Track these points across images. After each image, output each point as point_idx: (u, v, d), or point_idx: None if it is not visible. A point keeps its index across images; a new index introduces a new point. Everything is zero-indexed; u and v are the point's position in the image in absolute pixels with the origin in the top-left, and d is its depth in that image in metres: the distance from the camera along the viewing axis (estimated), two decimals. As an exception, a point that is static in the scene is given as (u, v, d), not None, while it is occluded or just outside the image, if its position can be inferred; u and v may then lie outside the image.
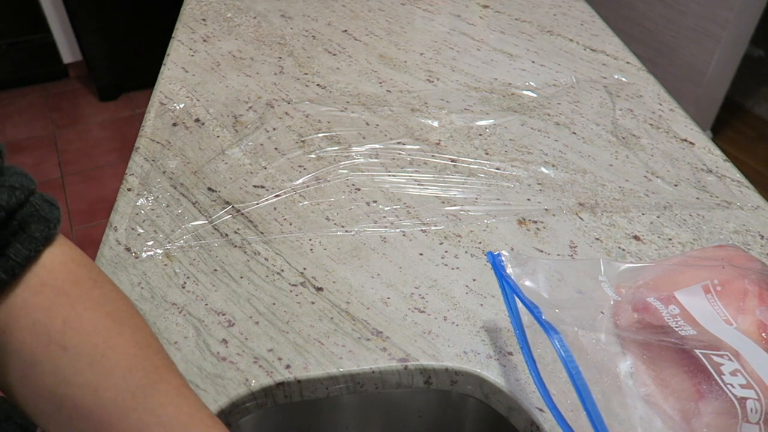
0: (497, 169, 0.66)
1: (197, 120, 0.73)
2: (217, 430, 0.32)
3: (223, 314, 0.50)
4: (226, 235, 0.58)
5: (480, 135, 0.71)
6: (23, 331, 0.31)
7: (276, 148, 0.68)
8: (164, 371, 0.32)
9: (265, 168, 0.66)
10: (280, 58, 0.85)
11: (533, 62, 0.86)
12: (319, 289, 0.53)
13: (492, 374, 0.46)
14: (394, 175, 0.65)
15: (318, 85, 0.80)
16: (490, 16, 0.98)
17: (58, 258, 0.32)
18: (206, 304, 0.51)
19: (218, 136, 0.70)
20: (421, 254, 0.56)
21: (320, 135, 0.71)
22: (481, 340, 0.49)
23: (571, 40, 0.91)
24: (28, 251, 0.31)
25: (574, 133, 0.72)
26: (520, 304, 0.42)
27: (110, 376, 0.31)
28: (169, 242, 0.57)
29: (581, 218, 0.60)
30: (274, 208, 0.61)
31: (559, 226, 0.59)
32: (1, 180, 0.32)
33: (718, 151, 0.70)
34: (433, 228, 0.59)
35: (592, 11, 1.01)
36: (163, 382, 0.32)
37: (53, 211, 0.34)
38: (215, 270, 0.54)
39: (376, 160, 0.67)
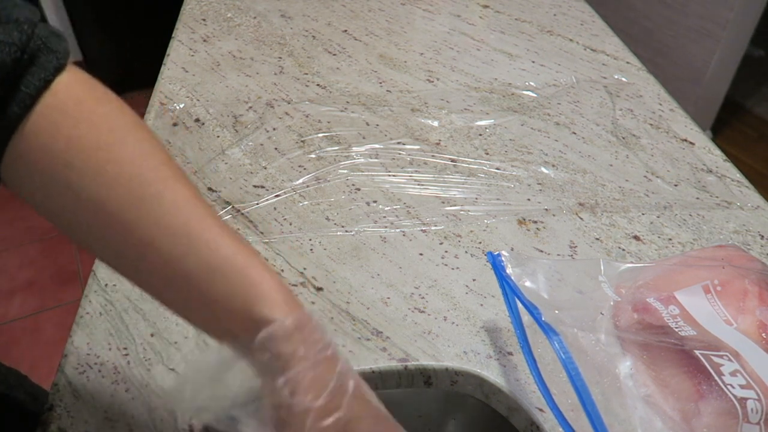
0: (497, 169, 0.66)
1: (197, 120, 0.73)
2: (227, 240, 0.32)
3: (223, 314, 0.50)
4: (226, 235, 0.57)
5: (480, 135, 0.71)
6: (35, 153, 0.31)
7: (276, 148, 0.68)
8: (171, 181, 0.32)
9: (265, 168, 0.66)
10: (280, 58, 0.85)
11: (533, 62, 0.86)
12: (319, 289, 0.53)
13: (492, 374, 0.46)
14: (394, 175, 0.65)
15: (318, 85, 0.80)
16: (490, 16, 0.98)
17: (63, 81, 0.33)
18: (206, 304, 0.51)
19: (218, 136, 0.70)
20: (421, 254, 0.56)
21: (320, 135, 0.71)
22: (481, 340, 0.49)
23: (571, 40, 0.91)
24: (39, 82, 0.32)
25: (574, 133, 0.72)
26: (520, 304, 0.42)
27: (113, 188, 0.31)
28: (169, 242, 0.57)
29: (581, 218, 0.60)
30: (274, 208, 0.61)
31: (559, 226, 0.59)
32: (6, 13, 0.31)
33: (718, 151, 0.70)
34: (433, 228, 0.59)
35: (592, 11, 1.01)
36: (168, 191, 0.32)
37: (61, 43, 0.33)
38: (215, 270, 0.54)
39: (376, 160, 0.67)
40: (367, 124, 0.73)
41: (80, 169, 0.31)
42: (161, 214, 0.31)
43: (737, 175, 0.66)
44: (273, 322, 0.30)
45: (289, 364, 0.30)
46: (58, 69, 0.32)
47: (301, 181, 0.64)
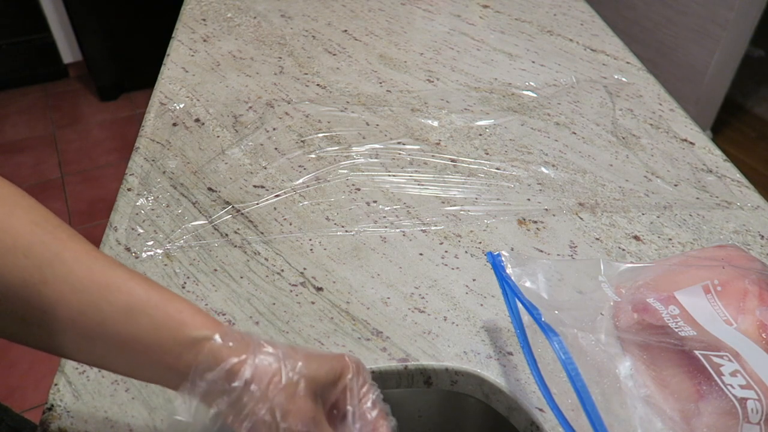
0: (497, 169, 0.66)
1: (197, 120, 0.73)
2: (137, 282, 0.33)
3: (223, 314, 0.50)
4: (226, 235, 0.58)
5: (480, 135, 0.71)
6: None
7: (276, 148, 0.68)
8: (67, 241, 0.32)
9: (265, 168, 0.66)
10: (280, 58, 0.85)
11: (533, 62, 0.86)
12: (319, 289, 0.53)
13: (492, 374, 0.46)
14: (394, 175, 0.65)
15: (318, 85, 0.80)
16: (490, 16, 0.98)
17: None
18: (206, 304, 0.51)
19: (218, 136, 0.70)
20: (421, 254, 0.56)
21: (320, 135, 0.71)
22: (481, 340, 0.49)
23: (571, 40, 0.91)
24: None
25: (574, 133, 0.72)
26: (520, 304, 0.42)
27: (10, 257, 0.31)
28: (169, 242, 0.57)
29: (581, 218, 0.60)
30: (274, 208, 0.61)
31: (559, 226, 0.59)
32: None
33: (718, 151, 0.70)
34: (433, 228, 0.59)
35: (592, 11, 1.01)
36: (68, 250, 0.32)
37: None
38: (215, 270, 0.54)
39: (376, 160, 0.67)
40: (367, 124, 0.73)
41: None
42: (66, 271, 0.31)
43: (737, 175, 0.66)
44: (207, 338, 0.31)
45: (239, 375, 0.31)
46: None
47: (301, 181, 0.64)
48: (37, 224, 0.32)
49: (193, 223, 0.59)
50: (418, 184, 0.64)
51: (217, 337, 0.32)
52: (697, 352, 0.41)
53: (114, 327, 0.31)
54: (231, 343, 0.32)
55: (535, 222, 0.60)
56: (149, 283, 0.33)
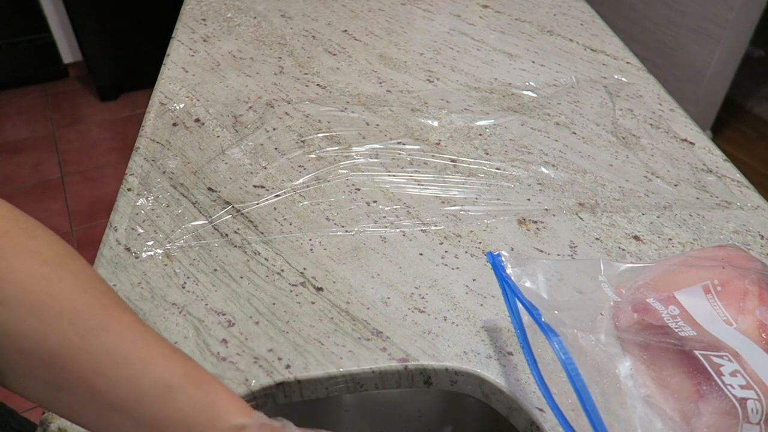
0: (497, 169, 0.66)
1: (197, 120, 0.73)
2: (178, 360, 0.32)
3: (223, 314, 0.50)
4: (226, 235, 0.58)
5: (480, 135, 0.71)
6: None
7: (276, 148, 0.68)
8: (113, 310, 0.32)
9: (265, 168, 0.66)
10: (280, 58, 0.85)
11: (533, 62, 0.86)
12: (319, 289, 0.53)
13: (492, 374, 0.46)
14: (394, 175, 0.65)
15: (318, 85, 0.80)
16: (490, 16, 0.98)
17: None
18: (206, 304, 0.51)
19: (218, 136, 0.70)
20: (421, 254, 0.56)
21: (320, 135, 0.71)
22: (481, 340, 0.49)
23: (571, 40, 0.91)
24: None
25: (574, 133, 0.72)
26: (520, 304, 0.42)
27: (55, 322, 0.30)
28: (169, 242, 0.57)
29: (581, 218, 0.60)
30: (274, 208, 0.61)
31: (559, 226, 0.59)
32: None
33: (718, 151, 0.70)
34: (433, 228, 0.59)
35: (592, 11, 1.01)
36: (113, 320, 0.32)
37: None
38: (215, 270, 0.54)
39: (376, 160, 0.67)
40: (367, 124, 0.73)
41: (16, 305, 0.30)
42: (109, 343, 0.31)
43: (737, 175, 0.66)
44: (244, 427, 0.31)
45: None
46: None
47: (301, 181, 0.64)
48: (86, 291, 0.32)
49: (193, 223, 0.59)
50: (418, 184, 0.64)
51: (253, 424, 0.32)
52: (697, 352, 0.41)
53: (151, 404, 0.31)
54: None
55: (535, 222, 0.60)
56: (189, 362, 0.33)
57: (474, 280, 0.54)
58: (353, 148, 0.69)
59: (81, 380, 0.31)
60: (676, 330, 0.43)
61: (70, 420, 0.33)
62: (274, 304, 0.51)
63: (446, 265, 0.55)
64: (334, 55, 0.87)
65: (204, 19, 0.95)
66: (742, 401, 0.38)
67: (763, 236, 0.58)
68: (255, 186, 0.63)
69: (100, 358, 0.31)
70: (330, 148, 0.68)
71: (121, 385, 0.31)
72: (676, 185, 0.65)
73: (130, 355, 0.31)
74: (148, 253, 0.55)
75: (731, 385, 0.38)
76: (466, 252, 0.56)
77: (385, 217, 0.60)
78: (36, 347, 0.30)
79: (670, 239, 0.58)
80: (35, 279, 0.31)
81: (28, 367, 0.31)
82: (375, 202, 0.62)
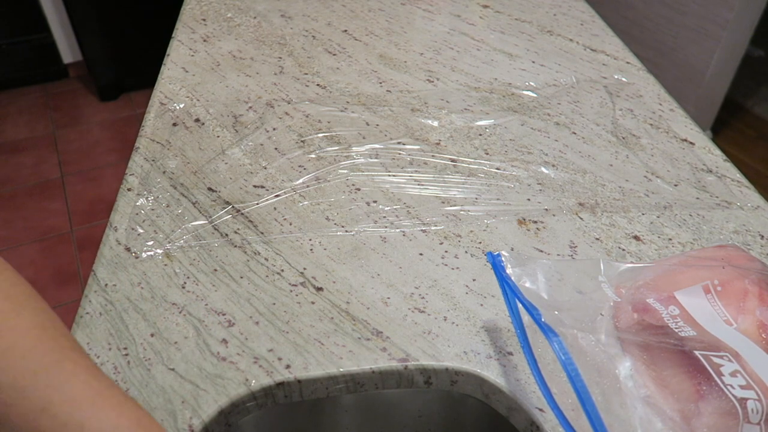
0: (497, 169, 0.66)
1: (197, 120, 0.73)
2: (129, 407, 0.32)
3: (223, 314, 0.50)
4: (226, 235, 0.58)
5: (480, 135, 0.71)
6: None
7: (276, 148, 0.68)
8: (69, 351, 0.32)
9: (265, 168, 0.66)
10: (280, 58, 0.85)
11: (533, 62, 0.86)
12: (319, 289, 0.53)
13: (492, 374, 0.46)
14: (394, 175, 0.65)
15: (318, 85, 0.80)
16: (490, 16, 0.98)
17: None
18: (206, 304, 0.51)
19: (218, 136, 0.70)
20: (421, 254, 0.56)
21: (320, 135, 0.71)
22: (481, 340, 0.49)
23: (571, 40, 0.91)
24: None
25: (574, 133, 0.72)
26: (520, 304, 0.42)
27: (7, 358, 0.30)
28: (169, 242, 0.57)
29: (581, 218, 0.60)
30: (274, 208, 0.61)
31: (559, 226, 0.59)
32: None
33: (718, 151, 0.70)
34: (433, 228, 0.59)
35: (592, 11, 1.01)
36: (69, 360, 0.31)
37: None
38: (215, 270, 0.54)
39: (376, 160, 0.67)
40: (367, 124, 0.73)
41: None
42: (62, 381, 0.30)
43: (737, 175, 0.66)
44: None
45: None
46: None
47: (301, 181, 0.64)
48: (45, 329, 0.32)
49: (193, 223, 0.59)
50: (418, 184, 0.64)
51: None
52: (697, 353, 0.41)
53: None
54: None
55: (535, 222, 0.60)
56: (141, 410, 0.32)
57: (474, 280, 0.54)
58: (353, 148, 0.69)
59: (24, 418, 0.30)
60: (676, 330, 0.43)
61: None
62: (274, 304, 0.51)
63: (446, 265, 0.55)
64: (334, 55, 0.87)
65: (204, 19, 0.95)
66: (742, 401, 0.38)
67: (763, 236, 0.58)
68: (255, 186, 0.63)
69: (50, 397, 0.30)
70: (330, 148, 0.68)
71: (66, 427, 0.30)
72: (676, 185, 0.65)
73: (79, 395, 0.30)
74: (148, 253, 0.55)
75: (731, 386, 0.38)
76: (466, 252, 0.56)
77: (385, 217, 0.60)
78: None
79: (670, 239, 0.58)
80: None
81: None
82: (375, 202, 0.62)
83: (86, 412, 0.30)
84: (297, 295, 0.52)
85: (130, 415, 0.31)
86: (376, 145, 0.69)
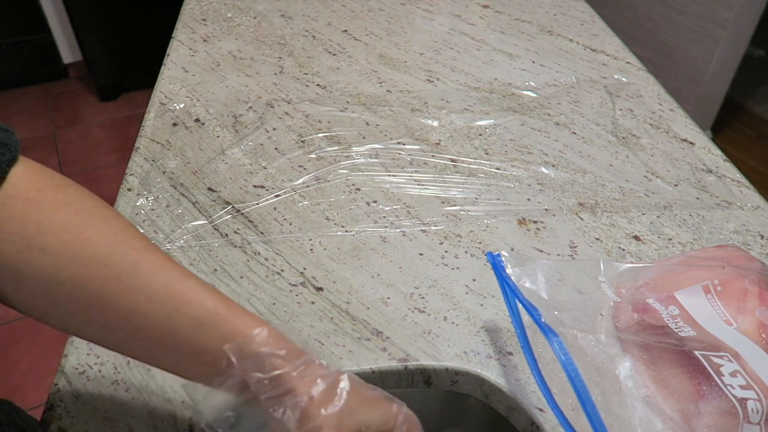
0: (497, 169, 0.66)
1: (197, 120, 0.73)
2: (208, 293, 0.34)
3: (223, 314, 0.50)
4: (226, 235, 0.58)
5: (480, 135, 0.71)
6: (2, 243, 0.32)
7: (276, 148, 0.68)
8: (142, 252, 0.34)
9: (265, 168, 0.66)
10: (280, 58, 0.85)
11: (533, 62, 0.86)
12: (319, 289, 0.53)
13: (492, 374, 0.46)
14: (394, 175, 0.65)
15: (318, 85, 0.80)
16: (490, 16, 0.98)
17: (19, 173, 0.34)
18: (206, 304, 0.51)
19: (218, 136, 0.70)
20: (421, 254, 0.56)
21: (320, 135, 0.71)
22: (481, 340, 0.49)
23: (571, 40, 0.91)
24: None
25: (574, 133, 0.72)
26: (520, 304, 0.42)
27: (92, 266, 0.33)
28: (169, 242, 0.57)
29: (581, 218, 0.60)
30: (274, 208, 0.61)
31: (559, 226, 0.59)
32: None
33: (718, 151, 0.70)
34: (433, 228, 0.59)
35: (592, 11, 1.01)
36: (144, 261, 0.34)
37: (10, 136, 0.35)
38: (215, 270, 0.54)
39: (376, 160, 0.67)
40: (367, 124, 0.73)
41: (54, 251, 0.32)
42: (142, 282, 0.33)
43: (737, 175, 0.66)
44: (273, 355, 0.33)
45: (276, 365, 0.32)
46: (11, 161, 0.34)
47: (301, 181, 0.64)
48: (116, 234, 0.34)
49: (193, 223, 0.59)
50: (418, 184, 0.64)
51: (282, 353, 0.33)
52: (697, 353, 0.41)
53: (185, 337, 0.33)
54: (297, 365, 0.33)
55: (535, 222, 0.60)
56: (219, 296, 0.34)
57: (474, 280, 0.54)
58: (353, 148, 0.69)
59: (123, 319, 0.33)
60: (676, 330, 0.43)
61: (125, 355, 0.36)
62: (274, 304, 0.51)
63: (446, 265, 0.55)
64: (334, 55, 0.87)
65: (204, 19, 0.95)
66: (742, 401, 0.38)
67: (763, 236, 0.58)
68: (255, 186, 0.63)
69: (136, 298, 0.33)
70: (330, 148, 0.68)
71: (157, 322, 0.33)
72: (676, 185, 0.65)
73: (162, 294, 0.33)
74: (148, 253, 0.55)
75: (731, 386, 0.38)
76: (466, 252, 0.56)
77: (385, 217, 0.60)
78: (79, 291, 0.33)
79: (670, 239, 0.58)
80: (69, 227, 0.33)
81: (78, 310, 0.33)
82: (375, 202, 0.62)
83: (169, 308, 0.33)
84: (297, 295, 0.52)
85: (209, 304, 0.33)
86: (376, 145, 0.69)
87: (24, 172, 0.34)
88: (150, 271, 0.33)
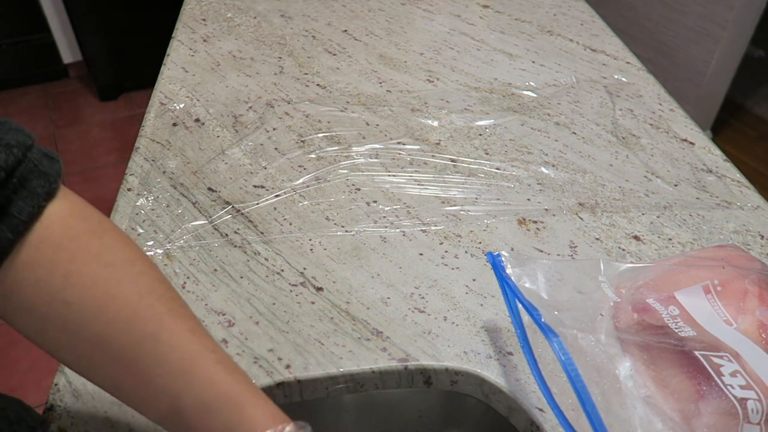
0: (497, 169, 0.66)
1: (197, 120, 0.73)
2: (222, 375, 0.32)
3: (223, 314, 0.50)
4: (226, 235, 0.58)
5: (480, 135, 0.71)
6: (28, 288, 0.31)
7: (276, 148, 0.68)
8: (165, 318, 0.33)
9: (265, 168, 0.66)
10: (280, 58, 0.85)
11: (533, 62, 0.86)
12: (319, 289, 0.53)
13: (492, 374, 0.46)
14: (394, 175, 0.65)
15: (318, 85, 0.80)
16: (490, 16, 0.98)
17: (56, 213, 0.33)
18: (206, 304, 0.51)
19: (218, 136, 0.70)
20: (421, 254, 0.56)
21: (320, 135, 0.71)
22: (481, 340, 0.49)
23: (571, 40, 0.91)
24: (31, 208, 0.31)
25: (574, 133, 0.72)
26: (520, 304, 0.42)
27: (114, 328, 0.31)
28: (169, 242, 0.57)
29: (581, 218, 0.60)
30: (274, 208, 0.61)
31: (559, 226, 0.59)
32: None
33: (718, 151, 0.70)
34: (433, 228, 0.59)
35: (592, 11, 1.01)
36: (165, 330, 0.32)
37: (53, 165, 0.33)
38: (215, 270, 0.54)
39: (376, 160, 0.67)
40: (367, 124, 0.73)
41: (79, 307, 0.31)
42: (159, 353, 0.32)
43: (737, 175, 0.66)
44: None
45: None
46: (50, 194, 0.32)
47: (301, 181, 0.64)
48: (142, 296, 0.33)
49: (193, 223, 0.59)
50: (418, 184, 0.64)
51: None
52: (697, 353, 0.41)
53: (190, 418, 0.32)
54: None
55: (535, 222, 0.60)
56: (236, 378, 0.32)
57: (474, 280, 0.54)
58: (353, 148, 0.69)
59: (138, 386, 0.32)
60: (676, 330, 0.43)
61: (135, 410, 0.35)
62: (274, 304, 0.51)
63: (446, 265, 0.55)
64: (334, 55, 0.87)
65: (204, 19, 0.95)
66: (742, 401, 0.38)
67: (763, 236, 0.58)
68: (255, 186, 0.63)
69: (151, 368, 0.32)
70: (330, 148, 0.68)
71: (167, 398, 0.32)
72: (676, 185, 0.65)
73: (177, 368, 0.32)
74: (148, 253, 0.55)
75: (731, 386, 0.38)
76: (466, 252, 0.56)
77: (385, 217, 0.60)
78: (99, 350, 0.32)
79: (670, 239, 0.58)
80: (96, 282, 0.32)
81: (98, 366, 0.33)
82: (375, 202, 0.62)
83: (178, 385, 0.31)
84: (297, 295, 0.52)
85: (221, 387, 0.32)
86: (376, 145, 0.69)
87: (61, 212, 0.33)
88: (168, 342, 0.32)
